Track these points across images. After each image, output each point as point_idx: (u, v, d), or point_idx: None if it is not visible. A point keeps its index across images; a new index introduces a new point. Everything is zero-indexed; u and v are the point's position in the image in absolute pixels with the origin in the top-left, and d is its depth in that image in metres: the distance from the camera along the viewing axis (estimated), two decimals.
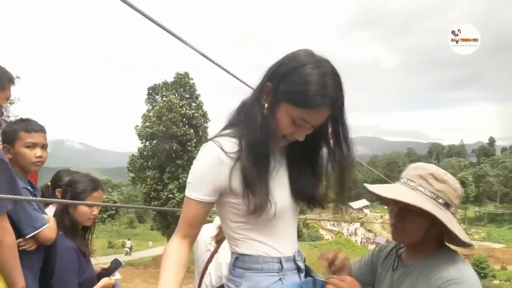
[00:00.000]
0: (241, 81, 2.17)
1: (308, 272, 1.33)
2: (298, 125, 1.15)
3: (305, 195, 1.30)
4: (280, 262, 1.23)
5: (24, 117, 2.11)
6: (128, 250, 32.92)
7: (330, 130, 1.24)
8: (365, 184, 1.45)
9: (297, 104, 1.10)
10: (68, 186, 2.15)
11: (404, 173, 1.37)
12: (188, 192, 1.22)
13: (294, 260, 1.28)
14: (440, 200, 1.26)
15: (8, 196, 1.55)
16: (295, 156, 1.29)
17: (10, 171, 1.69)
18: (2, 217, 1.64)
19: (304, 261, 1.34)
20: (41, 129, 2.04)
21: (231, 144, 1.19)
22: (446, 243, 1.35)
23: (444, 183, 1.27)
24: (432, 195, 1.27)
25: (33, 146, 1.99)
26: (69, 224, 2.08)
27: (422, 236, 1.30)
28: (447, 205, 1.27)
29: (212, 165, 1.17)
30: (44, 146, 2.05)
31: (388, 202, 1.40)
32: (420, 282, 1.25)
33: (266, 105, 1.17)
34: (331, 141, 1.24)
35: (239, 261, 1.25)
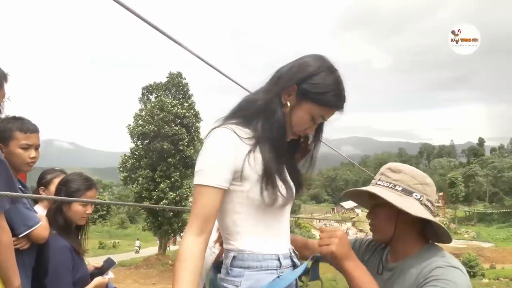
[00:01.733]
0: (233, 81, 2.17)
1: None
2: (315, 122, 1.27)
3: (299, 186, 1.35)
4: (279, 259, 1.23)
5: (16, 115, 2.07)
6: (137, 248, 34.36)
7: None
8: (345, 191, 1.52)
9: (321, 104, 1.22)
10: (62, 185, 2.14)
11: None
12: (201, 180, 1.15)
13: (291, 257, 1.29)
14: (398, 188, 1.31)
15: (5, 193, 1.53)
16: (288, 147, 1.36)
17: (8, 171, 1.67)
18: (0, 216, 1.63)
19: (297, 256, 1.34)
20: (36, 130, 2.03)
21: (243, 132, 1.20)
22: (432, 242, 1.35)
23: (400, 173, 1.33)
24: (389, 184, 1.32)
25: (28, 147, 1.97)
26: (62, 223, 2.07)
27: (394, 229, 1.30)
28: (407, 192, 1.30)
29: (229, 147, 1.15)
30: (37, 147, 2.04)
31: (367, 206, 1.45)
32: (406, 283, 1.24)
33: (288, 103, 1.23)
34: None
35: (237, 260, 1.21)
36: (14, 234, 1.83)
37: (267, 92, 1.26)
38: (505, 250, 48.49)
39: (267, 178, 1.18)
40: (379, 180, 1.36)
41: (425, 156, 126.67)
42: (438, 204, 75.45)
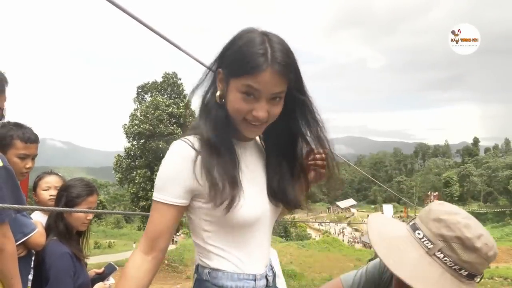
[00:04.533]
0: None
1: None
2: (251, 98, 1.04)
3: (283, 196, 1.22)
4: (255, 280, 1.16)
5: (18, 121, 2.04)
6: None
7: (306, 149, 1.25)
8: (368, 223, 1.14)
9: (240, 73, 1.02)
10: (63, 191, 2.13)
11: (421, 219, 1.05)
12: (156, 195, 1.10)
13: (266, 276, 1.21)
14: (463, 272, 0.97)
15: (8, 206, 1.53)
16: (272, 154, 1.23)
17: (15, 180, 1.66)
18: (5, 226, 1.62)
19: (273, 273, 1.28)
20: (36, 140, 2.01)
21: (200, 142, 1.11)
22: None
23: (474, 253, 0.96)
24: (454, 266, 0.97)
25: (25, 157, 1.95)
26: (63, 229, 2.06)
27: None
28: (471, 276, 0.99)
29: (182, 162, 1.07)
30: (34, 157, 2.02)
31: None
32: None
33: (219, 92, 1.11)
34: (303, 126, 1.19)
35: (211, 278, 1.14)
36: None
37: (200, 79, 1.17)
38: (499, 249, 48.25)
39: (209, 179, 1.07)
40: (439, 251, 0.97)
41: (420, 156, 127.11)
42: None
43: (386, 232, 1.07)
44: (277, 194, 1.21)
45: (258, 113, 1.05)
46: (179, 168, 1.08)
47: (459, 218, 0.97)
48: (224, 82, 1.08)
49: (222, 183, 1.07)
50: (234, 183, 1.09)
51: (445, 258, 0.97)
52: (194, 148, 1.09)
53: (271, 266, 1.28)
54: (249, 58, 1.00)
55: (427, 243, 0.99)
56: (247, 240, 1.16)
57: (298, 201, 1.25)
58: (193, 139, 1.11)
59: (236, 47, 1.04)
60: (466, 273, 0.97)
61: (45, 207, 2.20)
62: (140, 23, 1.56)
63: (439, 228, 0.98)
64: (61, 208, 2.02)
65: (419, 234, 1.01)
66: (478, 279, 1.00)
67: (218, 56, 1.12)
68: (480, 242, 0.95)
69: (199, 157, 1.08)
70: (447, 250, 0.96)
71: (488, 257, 0.97)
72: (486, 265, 0.99)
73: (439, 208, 1.01)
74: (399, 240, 1.03)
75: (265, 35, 1.05)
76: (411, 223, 1.06)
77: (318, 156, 1.26)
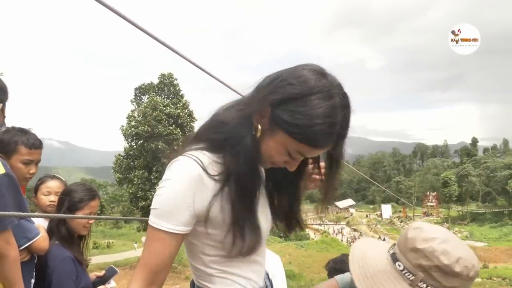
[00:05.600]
0: (223, 83, 2.18)
1: None
2: (293, 158, 0.98)
3: (285, 217, 1.18)
4: None
5: (10, 125, 2.02)
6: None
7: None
8: (350, 255, 1.13)
9: (298, 139, 0.91)
10: (65, 195, 2.13)
11: (399, 248, 1.03)
12: (157, 222, 0.96)
13: (266, 286, 1.21)
14: None
15: (12, 213, 1.54)
16: (277, 174, 1.14)
17: (17, 187, 1.67)
18: (7, 233, 1.62)
19: (267, 277, 1.27)
20: (40, 146, 2.02)
21: (211, 162, 1.00)
22: None
23: (456, 277, 0.95)
24: None
25: (29, 162, 1.96)
26: (66, 233, 2.06)
27: None
28: None
29: (191, 185, 0.95)
30: (38, 162, 2.03)
31: None
32: None
33: (259, 126, 0.96)
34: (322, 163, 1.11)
35: None
36: None
37: (239, 111, 1.00)
38: (497, 249, 48.87)
39: (236, 230, 1.00)
40: (420, 281, 0.97)
41: (419, 156, 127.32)
42: (432, 204, 76.05)
43: (368, 266, 1.07)
44: (281, 214, 1.17)
45: (291, 168, 1.01)
46: (187, 191, 0.96)
47: (435, 245, 0.96)
48: (269, 124, 0.94)
49: (245, 229, 1.00)
50: (257, 232, 1.03)
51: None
52: (205, 170, 0.98)
53: (267, 274, 1.26)
54: (317, 134, 0.89)
55: (409, 275, 0.98)
56: (251, 260, 1.12)
57: (303, 221, 1.21)
58: (204, 158, 1.00)
59: (301, 107, 0.88)
60: None
61: (47, 214, 2.20)
62: (136, 27, 1.57)
63: (417, 258, 0.97)
64: (62, 215, 2.03)
65: (399, 266, 1.01)
66: None
67: (272, 89, 0.93)
68: (459, 267, 0.94)
69: (214, 183, 0.98)
70: (429, 280, 0.96)
71: (469, 278, 0.96)
72: (470, 285, 0.98)
73: (415, 235, 1.00)
74: (383, 276, 1.03)
75: (342, 97, 0.92)
76: (391, 252, 1.06)
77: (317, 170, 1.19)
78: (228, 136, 0.99)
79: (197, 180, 0.96)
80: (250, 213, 1.02)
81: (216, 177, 0.99)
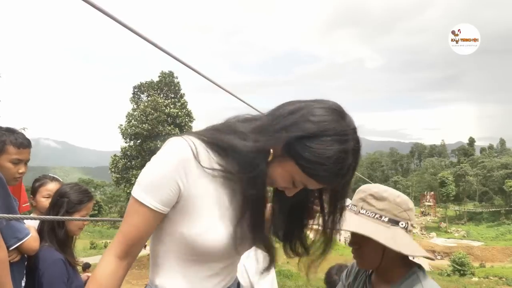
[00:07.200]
0: (220, 87, 2.18)
1: None
2: (295, 187, 1.02)
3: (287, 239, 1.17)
4: None
5: (7, 125, 2.03)
6: None
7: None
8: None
9: (307, 173, 0.94)
10: (61, 197, 2.10)
11: (351, 199, 1.34)
12: (141, 196, 0.97)
13: None
14: (384, 218, 1.25)
15: (3, 215, 1.52)
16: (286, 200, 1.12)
17: (6, 188, 1.65)
18: None
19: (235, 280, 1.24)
20: (29, 145, 2.00)
21: (206, 154, 1.00)
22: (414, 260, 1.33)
23: (384, 201, 1.26)
24: (375, 215, 1.26)
25: (18, 162, 1.95)
26: (63, 237, 2.04)
27: (381, 258, 1.26)
28: (394, 222, 1.24)
29: (178, 168, 0.96)
30: (27, 162, 2.02)
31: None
32: None
33: (271, 150, 0.98)
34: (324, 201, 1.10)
35: None
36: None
37: (256, 141, 0.98)
38: (494, 248, 49.12)
39: (207, 226, 1.00)
40: (361, 208, 1.28)
41: (416, 156, 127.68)
42: (429, 203, 76.26)
43: None
44: (292, 240, 1.17)
45: (289, 193, 1.05)
46: (174, 170, 0.96)
47: (370, 186, 1.33)
48: (282, 151, 0.96)
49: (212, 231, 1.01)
50: (228, 239, 1.03)
51: (367, 212, 1.27)
52: (195, 157, 0.98)
53: (238, 282, 1.24)
54: (326, 172, 0.93)
55: (354, 208, 1.31)
56: (213, 261, 1.09)
57: (306, 246, 1.19)
58: (199, 147, 1.00)
59: (316, 145, 0.91)
60: (387, 218, 1.25)
61: (36, 216, 2.16)
62: (132, 31, 1.57)
63: (359, 194, 1.33)
64: (54, 217, 2.00)
65: (349, 206, 1.33)
66: (404, 225, 1.25)
67: (293, 127, 0.94)
68: (386, 193, 1.28)
69: (201, 172, 0.99)
70: (366, 206, 1.28)
71: (397, 203, 1.26)
72: (401, 211, 1.25)
73: (361, 188, 1.34)
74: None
75: (355, 143, 0.96)
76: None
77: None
78: (241, 162, 1.00)
79: (185, 162, 0.97)
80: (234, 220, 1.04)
81: (209, 171, 1.00)
